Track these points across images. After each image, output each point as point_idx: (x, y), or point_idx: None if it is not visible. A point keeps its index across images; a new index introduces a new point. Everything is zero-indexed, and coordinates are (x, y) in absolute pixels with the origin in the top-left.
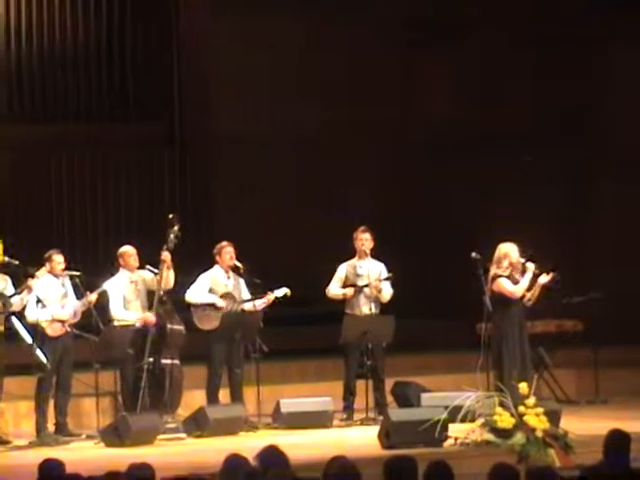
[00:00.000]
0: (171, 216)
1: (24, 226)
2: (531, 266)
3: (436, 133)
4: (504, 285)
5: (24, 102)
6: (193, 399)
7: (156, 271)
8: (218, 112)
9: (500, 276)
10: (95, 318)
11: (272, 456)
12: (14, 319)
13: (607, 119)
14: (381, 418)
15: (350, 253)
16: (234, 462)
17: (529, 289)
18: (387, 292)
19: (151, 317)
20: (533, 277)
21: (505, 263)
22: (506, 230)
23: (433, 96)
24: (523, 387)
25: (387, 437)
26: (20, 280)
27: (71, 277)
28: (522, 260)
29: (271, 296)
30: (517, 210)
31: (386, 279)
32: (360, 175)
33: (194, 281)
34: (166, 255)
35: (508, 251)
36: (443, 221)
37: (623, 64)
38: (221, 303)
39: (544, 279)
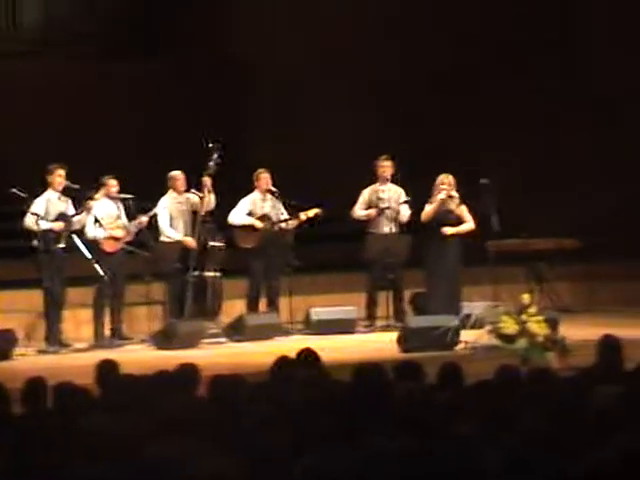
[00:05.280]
0: (212, 145)
1: (82, 154)
2: (441, 195)
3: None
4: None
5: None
6: (233, 308)
7: (200, 194)
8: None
9: (426, 202)
10: (147, 236)
11: (308, 357)
12: (75, 237)
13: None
14: (400, 325)
15: (373, 179)
16: (283, 363)
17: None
18: (405, 214)
19: (191, 242)
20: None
21: (436, 192)
22: (493, 155)
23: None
24: (525, 297)
25: (405, 341)
26: (80, 202)
27: (124, 200)
28: (440, 191)
29: (303, 216)
30: (509, 135)
31: (404, 202)
32: (384, 108)
33: (234, 204)
34: (207, 180)
35: (438, 182)
36: (453, 146)
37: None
38: (258, 224)
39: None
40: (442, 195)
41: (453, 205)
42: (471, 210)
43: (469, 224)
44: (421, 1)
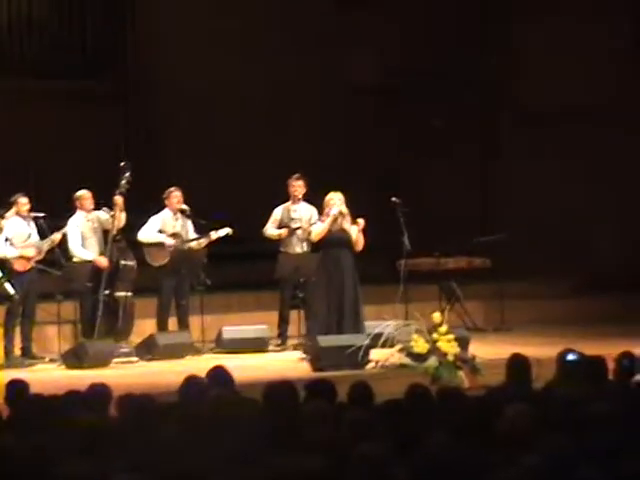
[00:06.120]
0: (123, 164)
1: None
2: (332, 212)
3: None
4: (312, 228)
5: None
6: (144, 327)
7: (111, 212)
8: (166, 64)
9: (318, 221)
10: (58, 255)
11: (219, 375)
12: None
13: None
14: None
15: (285, 197)
16: (192, 382)
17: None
18: (316, 234)
19: (103, 261)
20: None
21: (326, 210)
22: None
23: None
24: (436, 316)
25: (317, 360)
26: None
27: (35, 218)
28: (331, 208)
29: (214, 235)
30: (437, 159)
31: (315, 223)
32: (292, 129)
33: (145, 222)
34: (118, 198)
35: (327, 199)
36: (368, 167)
37: None
38: (169, 242)
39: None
40: (334, 210)
41: (346, 224)
42: (381, 229)
43: (359, 245)
44: None
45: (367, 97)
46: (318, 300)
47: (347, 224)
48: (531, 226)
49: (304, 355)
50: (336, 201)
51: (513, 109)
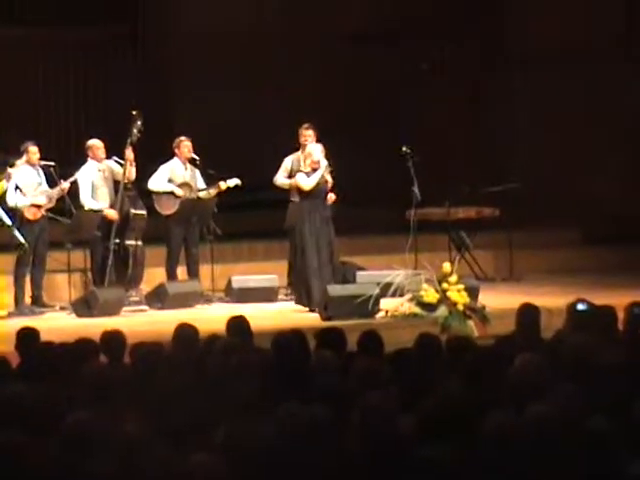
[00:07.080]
0: (135, 112)
1: (3, 121)
2: (323, 164)
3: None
4: (297, 179)
5: None
6: (154, 276)
7: (121, 162)
8: (179, 10)
9: (299, 172)
10: (68, 203)
11: (239, 325)
12: None
13: None
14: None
15: (295, 147)
16: (185, 331)
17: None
18: (310, 186)
19: (113, 214)
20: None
21: (308, 162)
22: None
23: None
24: (446, 266)
25: (326, 310)
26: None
27: (45, 167)
28: (317, 160)
29: (223, 186)
30: (437, 103)
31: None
32: (304, 77)
33: (154, 170)
34: (129, 154)
35: (310, 151)
36: (376, 116)
37: None
38: (179, 192)
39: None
40: (325, 162)
41: (327, 173)
42: (391, 180)
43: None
44: None
45: (366, 45)
46: (309, 250)
47: (327, 175)
48: (540, 175)
49: (297, 305)
50: (318, 153)
51: (518, 53)
